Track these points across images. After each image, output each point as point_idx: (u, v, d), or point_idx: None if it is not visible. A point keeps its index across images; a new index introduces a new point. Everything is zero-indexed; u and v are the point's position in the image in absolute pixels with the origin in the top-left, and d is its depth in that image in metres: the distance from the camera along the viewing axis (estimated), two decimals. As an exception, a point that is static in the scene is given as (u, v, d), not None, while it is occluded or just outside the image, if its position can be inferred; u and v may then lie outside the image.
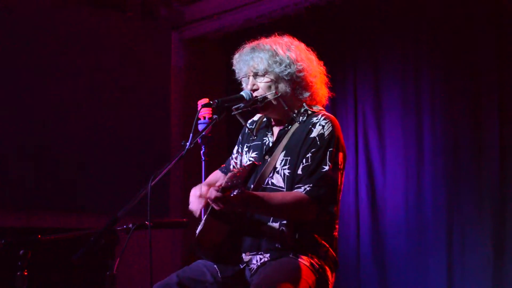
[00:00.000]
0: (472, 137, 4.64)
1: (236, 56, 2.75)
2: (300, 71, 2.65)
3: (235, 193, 2.25)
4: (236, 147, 2.91)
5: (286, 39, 2.74)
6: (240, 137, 2.91)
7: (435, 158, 4.83)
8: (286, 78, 2.64)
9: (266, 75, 2.65)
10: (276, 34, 2.78)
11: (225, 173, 2.75)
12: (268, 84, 2.65)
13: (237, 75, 2.78)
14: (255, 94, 2.66)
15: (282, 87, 2.65)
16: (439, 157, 4.81)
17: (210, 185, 2.55)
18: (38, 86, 5.32)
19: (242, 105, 2.65)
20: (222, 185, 2.28)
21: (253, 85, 2.67)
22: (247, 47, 2.72)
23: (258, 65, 2.65)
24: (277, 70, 2.63)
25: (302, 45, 2.77)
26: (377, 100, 5.22)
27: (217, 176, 2.85)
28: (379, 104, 5.20)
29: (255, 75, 2.68)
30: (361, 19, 5.35)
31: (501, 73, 4.56)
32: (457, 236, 4.65)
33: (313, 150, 2.55)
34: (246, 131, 2.87)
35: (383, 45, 5.24)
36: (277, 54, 2.64)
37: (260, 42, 2.72)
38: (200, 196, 2.56)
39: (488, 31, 4.62)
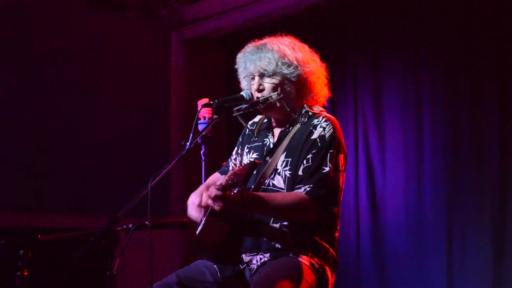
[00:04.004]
0: (472, 137, 4.64)
1: (240, 55, 2.73)
2: (306, 73, 2.65)
3: (235, 192, 2.24)
4: (236, 149, 2.90)
5: (289, 40, 2.74)
6: (240, 138, 2.90)
7: (435, 158, 4.83)
8: (293, 80, 2.64)
9: (273, 76, 2.64)
10: (279, 34, 2.77)
11: (225, 174, 2.75)
12: (274, 85, 2.64)
13: (240, 74, 2.76)
14: (260, 94, 2.65)
15: (287, 88, 2.64)
16: (439, 157, 4.81)
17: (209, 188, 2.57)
18: (37, 86, 5.32)
19: (243, 106, 2.64)
20: (223, 184, 2.28)
21: (260, 85, 2.66)
22: (253, 46, 2.70)
23: (267, 65, 2.63)
24: (285, 71, 2.62)
25: (306, 46, 2.76)
26: (377, 100, 5.22)
27: (216, 178, 2.84)
28: (379, 104, 5.21)
29: (262, 75, 2.66)
30: (361, 19, 5.35)
31: (501, 73, 4.56)
32: (457, 236, 4.65)
33: (313, 151, 2.55)
34: (247, 132, 2.86)
35: (383, 45, 5.24)
36: (285, 56, 2.63)
37: (266, 41, 2.69)
38: (199, 205, 2.55)
39: (488, 31, 4.62)
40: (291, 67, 2.62)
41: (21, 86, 5.24)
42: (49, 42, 5.41)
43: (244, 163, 2.40)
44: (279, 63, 2.62)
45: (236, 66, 2.77)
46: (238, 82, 2.81)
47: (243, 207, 2.39)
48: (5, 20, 5.20)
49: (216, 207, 2.36)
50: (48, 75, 5.39)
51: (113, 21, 5.82)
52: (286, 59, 2.62)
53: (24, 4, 5.32)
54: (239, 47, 2.77)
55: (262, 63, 2.64)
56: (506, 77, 4.53)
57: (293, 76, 2.63)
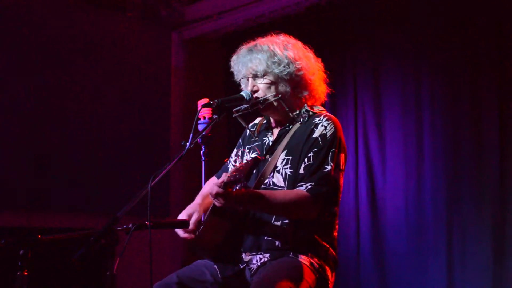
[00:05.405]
0: (472, 137, 4.64)
1: (234, 58, 2.75)
2: (299, 70, 2.65)
3: (237, 188, 2.24)
4: (235, 151, 2.91)
5: (282, 38, 2.74)
6: (240, 140, 2.91)
7: (435, 158, 4.83)
8: (285, 78, 2.64)
9: (265, 76, 2.65)
10: (272, 33, 2.77)
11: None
12: (268, 85, 2.65)
13: (235, 77, 2.78)
14: (255, 95, 2.67)
15: (282, 87, 2.65)
16: (439, 157, 4.81)
17: (204, 197, 2.63)
18: (38, 85, 5.32)
19: (242, 106, 2.65)
20: (224, 180, 2.28)
21: (253, 86, 2.67)
22: (244, 49, 2.72)
23: (257, 66, 2.65)
24: (276, 70, 2.63)
25: (299, 43, 2.76)
26: (377, 100, 5.22)
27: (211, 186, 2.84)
28: (379, 104, 5.21)
29: (255, 76, 2.67)
30: (361, 19, 5.36)
31: (501, 73, 4.56)
32: (457, 236, 4.65)
33: (315, 149, 2.55)
34: (247, 134, 2.87)
35: (383, 45, 5.24)
36: (275, 55, 2.64)
37: (257, 42, 2.71)
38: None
39: (489, 31, 4.62)
40: (281, 65, 2.62)
41: (20, 86, 5.24)
42: (49, 42, 5.41)
43: (246, 159, 2.40)
44: (269, 63, 2.63)
45: (231, 69, 2.78)
46: (238, 82, 2.82)
47: (244, 204, 2.39)
48: (5, 20, 5.20)
49: (218, 204, 2.36)
50: (47, 75, 5.39)
51: (113, 21, 5.82)
52: (276, 58, 2.63)
53: (24, 4, 5.32)
54: (237, 48, 2.77)
55: (253, 65, 2.65)
56: (506, 77, 4.53)
57: (284, 75, 2.63)
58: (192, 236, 2.58)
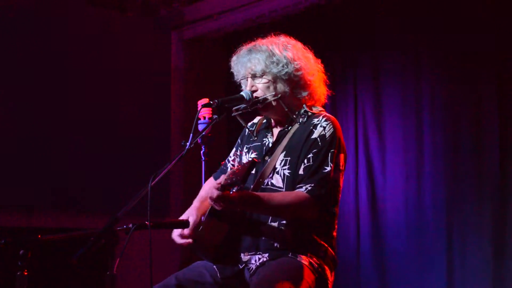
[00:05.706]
0: (472, 137, 4.64)
1: (234, 58, 2.76)
2: (297, 70, 2.65)
3: (234, 190, 2.25)
4: (234, 149, 2.91)
5: (283, 39, 2.74)
6: (239, 139, 2.91)
7: (435, 159, 4.83)
8: (284, 78, 2.64)
9: (264, 76, 2.66)
10: (273, 34, 2.78)
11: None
12: (267, 84, 2.65)
13: (235, 78, 2.79)
14: (254, 95, 2.67)
15: (281, 87, 2.65)
16: (439, 157, 4.81)
17: (202, 201, 2.64)
18: (38, 85, 5.32)
19: (242, 106, 2.65)
20: (222, 183, 2.29)
21: (252, 86, 2.68)
22: (244, 49, 2.73)
23: (256, 66, 2.65)
24: (274, 70, 2.63)
25: (299, 44, 2.76)
26: (377, 100, 5.22)
27: (209, 187, 2.83)
28: (379, 104, 5.21)
29: (253, 76, 2.68)
30: (361, 19, 5.35)
31: (501, 73, 4.56)
32: (457, 236, 4.64)
33: (314, 150, 2.55)
34: (246, 133, 2.87)
35: (383, 44, 5.24)
36: (273, 55, 2.64)
37: (256, 43, 2.72)
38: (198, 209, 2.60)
39: (489, 31, 4.62)
40: (280, 65, 2.63)
41: (20, 86, 5.24)
42: (49, 42, 5.41)
43: (243, 162, 2.41)
44: (268, 63, 2.63)
45: (231, 70, 2.78)
46: (239, 83, 2.82)
47: (243, 206, 2.39)
48: (5, 20, 5.20)
49: (217, 207, 2.37)
50: (47, 75, 5.39)
51: (113, 21, 5.82)
52: (274, 58, 2.63)
53: (24, 4, 5.32)
54: (237, 48, 2.78)
55: (252, 64, 2.66)
56: (506, 77, 4.53)
57: (283, 74, 2.63)
58: (190, 241, 2.57)
